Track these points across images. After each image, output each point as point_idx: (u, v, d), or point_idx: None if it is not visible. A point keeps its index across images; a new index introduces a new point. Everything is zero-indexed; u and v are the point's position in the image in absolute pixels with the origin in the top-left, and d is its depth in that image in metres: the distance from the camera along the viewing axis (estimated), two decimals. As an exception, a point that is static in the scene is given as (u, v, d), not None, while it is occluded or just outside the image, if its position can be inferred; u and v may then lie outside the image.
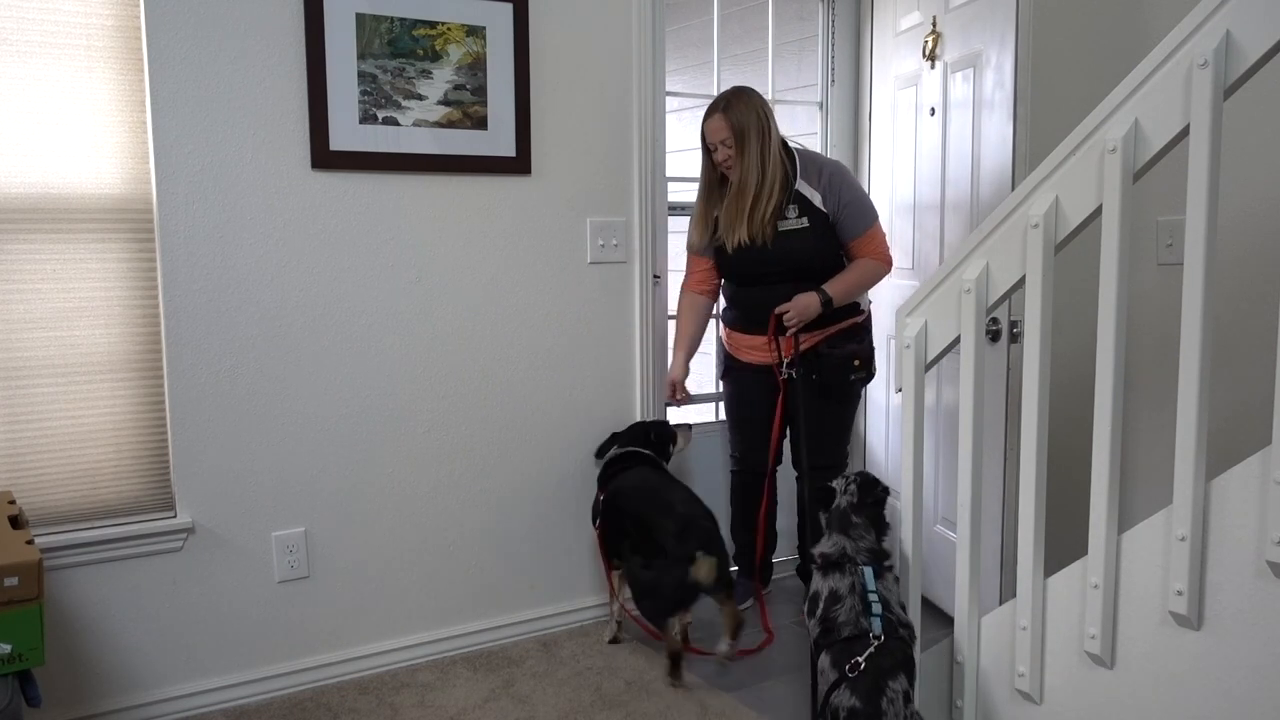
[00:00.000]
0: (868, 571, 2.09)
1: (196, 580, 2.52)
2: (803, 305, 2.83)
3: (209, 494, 2.51)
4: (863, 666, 1.95)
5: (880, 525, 2.22)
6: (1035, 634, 1.99)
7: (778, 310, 2.84)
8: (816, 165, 2.91)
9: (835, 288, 2.86)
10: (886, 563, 2.17)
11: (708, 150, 2.90)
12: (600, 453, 2.96)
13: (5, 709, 1.77)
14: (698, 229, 3.01)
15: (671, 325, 3.28)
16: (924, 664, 2.27)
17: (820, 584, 2.13)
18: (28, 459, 2.35)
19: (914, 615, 2.27)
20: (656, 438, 2.90)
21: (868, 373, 2.97)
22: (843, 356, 2.91)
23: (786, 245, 2.86)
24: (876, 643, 1.97)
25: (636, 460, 2.85)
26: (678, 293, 3.15)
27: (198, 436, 2.48)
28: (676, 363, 3.12)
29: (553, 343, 2.94)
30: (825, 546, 2.18)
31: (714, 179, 2.94)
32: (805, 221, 2.85)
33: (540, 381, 2.94)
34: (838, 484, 2.27)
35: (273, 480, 2.59)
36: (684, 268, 3.19)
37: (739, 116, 2.80)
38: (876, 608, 2.03)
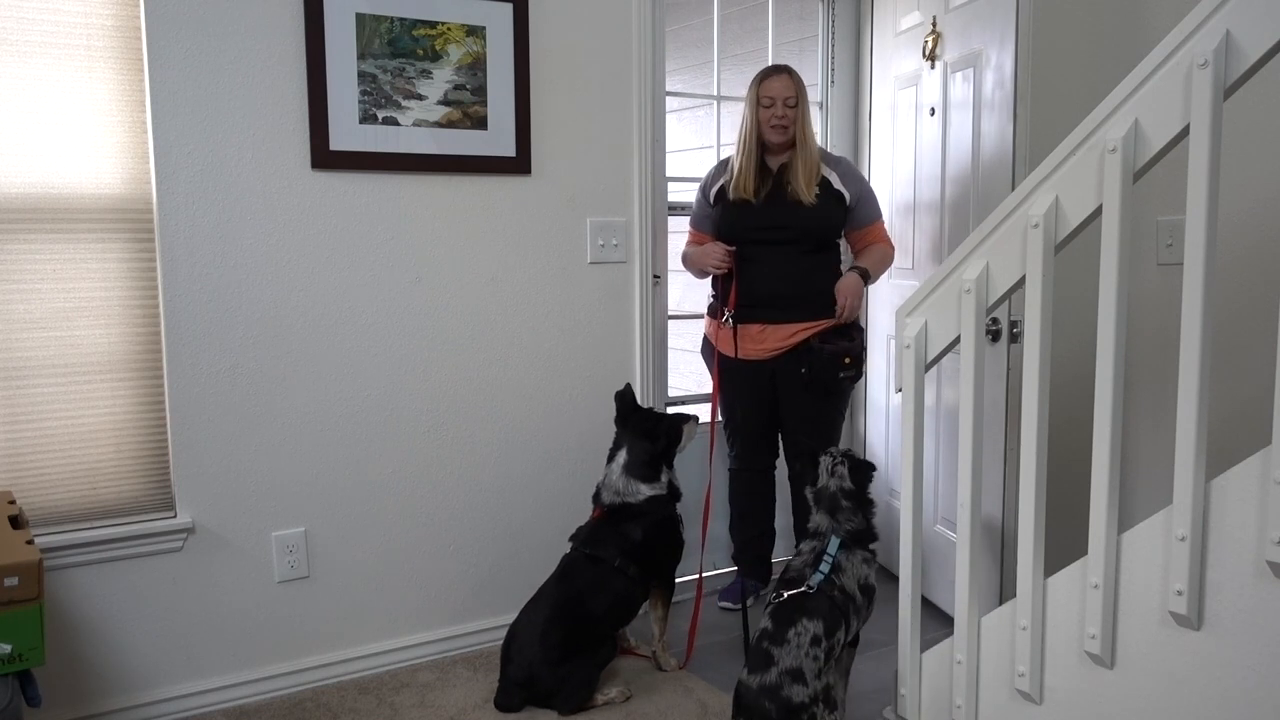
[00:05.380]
0: (834, 540, 2.31)
1: (196, 580, 2.52)
2: (850, 287, 2.96)
3: (209, 494, 2.51)
4: (785, 598, 2.20)
5: (868, 506, 2.39)
6: (1035, 634, 1.99)
7: (841, 316, 2.96)
8: (833, 155, 3.10)
9: (868, 262, 3.04)
10: (871, 546, 2.36)
11: (756, 112, 2.96)
12: (610, 455, 2.77)
13: (5, 709, 1.77)
14: (751, 178, 2.97)
15: (672, 324, 3.30)
16: (924, 664, 2.28)
17: (804, 543, 2.39)
18: (28, 459, 2.35)
19: (913, 615, 2.28)
20: (665, 437, 2.73)
21: (857, 371, 3.00)
22: (833, 353, 2.93)
23: (800, 210, 2.94)
24: (808, 590, 2.20)
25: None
26: (682, 261, 3.19)
27: (198, 436, 2.48)
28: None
29: (553, 343, 2.94)
30: (809, 523, 2.40)
31: (757, 139, 2.99)
32: (817, 190, 2.95)
33: (540, 381, 2.94)
34: (824, 460, 2.40)
35: (273, 480, 2.59)
36: (682, 265, 3.20)
37: (799, 80, 2.99)
38: (824, 567, 2.26)
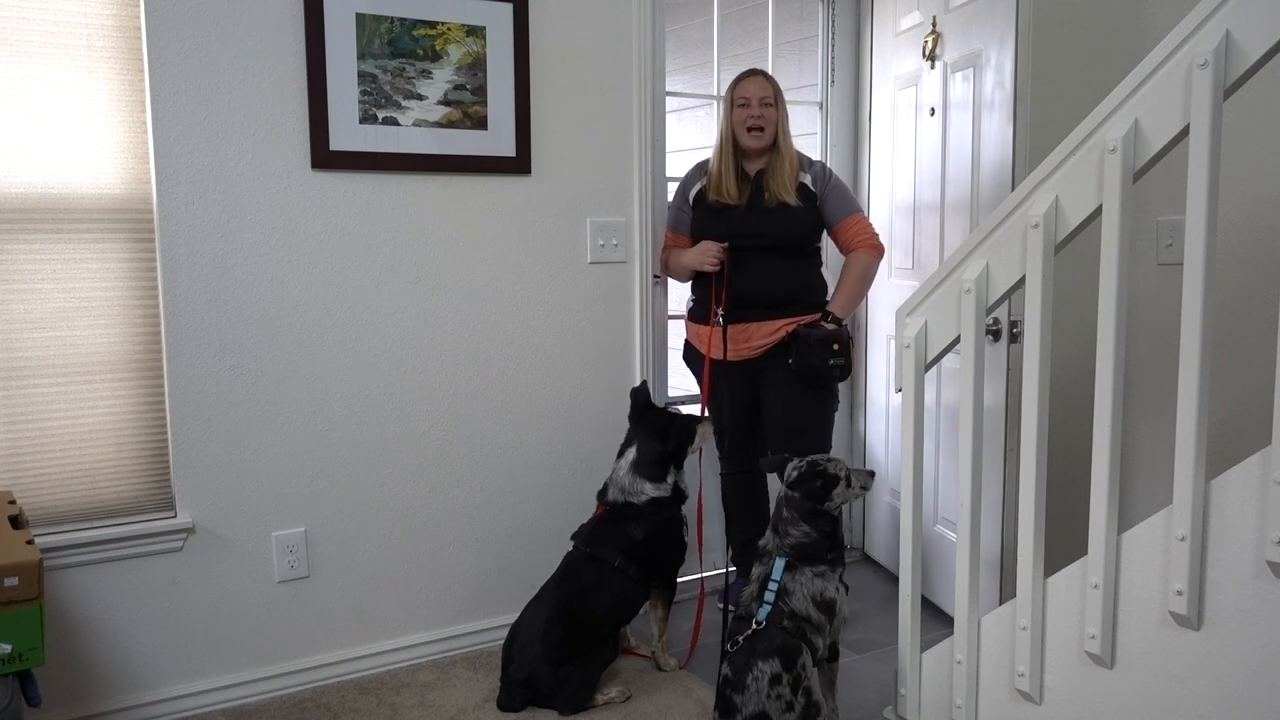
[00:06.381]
0: (778, 563, 2.27)
1: (196, 580, 2.52)
2: (824, 335, 2.86)
3: (209, 494, 2.51)
4: (739, 644, 2.19)
5: (816, 518, 2.29)
6: (1035, 634, 1.99)
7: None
8: (807, 159, 3.02)
9: (839, 304, 2.93)
10: (830, 555, 2.29)
11: (731, 114, 2.93)
12: (621, 451, 2.76)
13: (5, 709, 1.77)
14: (732, 182, 2.93)
15: (672, 325, 3.29)
16: (924, 664, 2.28)
17: (754, 569, 2.36)
18: (28, 459, 2.35)
19: (913, 615, 2.28)
20: (677, 438, 2.70)
21: (846, 360, 2.88)
22: (821, 338, 2.85)
23: (781, 215, 2.89)
24: (756, 627, 2.19)
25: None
26: (664, 265, 3.12)
27: (198, 436, 2.48)
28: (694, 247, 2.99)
29: (552, 343, 2.94)
30: (761, 539, 2.38)
31: (734, 143, 2.95)
32: (791, 200, 2.90)
33: (540, 381, 2.94)
34: (788, 467, 2.35)
35: (273, 480, 2.59)
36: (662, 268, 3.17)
37: (775, 83, 2.96)
38: (769, 597, 2.23)
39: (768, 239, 2.89)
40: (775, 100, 2.92)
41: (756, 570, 2.32)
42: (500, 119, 2.76)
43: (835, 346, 2.86)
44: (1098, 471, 1.85)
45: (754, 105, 2.89)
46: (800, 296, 2.93)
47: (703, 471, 3.02)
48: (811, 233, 2.96)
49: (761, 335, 2.93)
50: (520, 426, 2.92)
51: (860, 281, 2.96)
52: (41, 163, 2.30)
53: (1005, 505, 2.82)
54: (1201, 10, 1.65)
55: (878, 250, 2.98)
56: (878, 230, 3.03)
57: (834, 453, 2.96)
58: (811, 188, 2.94)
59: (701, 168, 3.07)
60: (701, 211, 3.00)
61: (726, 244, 2.91)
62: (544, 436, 2.96)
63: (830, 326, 2.88)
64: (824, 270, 3.05)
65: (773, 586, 2.23)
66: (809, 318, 2.91)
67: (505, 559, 2.94)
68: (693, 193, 3.04)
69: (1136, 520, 1.82)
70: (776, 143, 2.93)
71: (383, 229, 2.66)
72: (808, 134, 3.62)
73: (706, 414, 2.88)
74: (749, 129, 2.90)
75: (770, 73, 3.01)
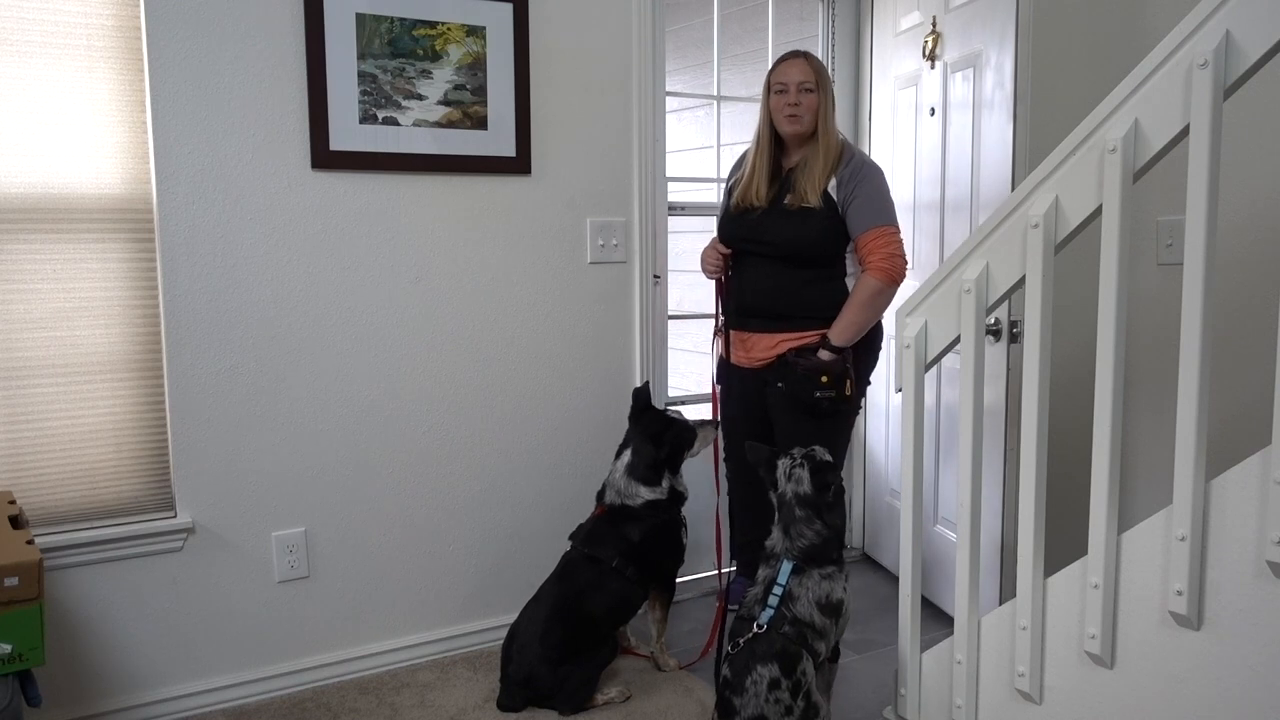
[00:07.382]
0: (785, 566, 2.24)
1: (197, 580, 2.52)
2: (811, 365, 2.71)
3: (209, 494, 2.51)
4: (740, 646, 2.18)
5: (829, 512, 2.27)
6: (1035, 634, 1.99)
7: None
8: (850, 151, 2.77)
9: (835, 331, 2.69)
10: (836, 555, 2.26)
11: (768, 101, 2.75)
12: (618, 453, 2.74)
13: (5, 709, 1.77)
14: (764, 182, 2.75)
15: (673, 324, 3.29)
16: (924, 664, 2.28)
17: (760, 571, 2.33)
18: (28, 459, 2.35)
19: (913, 615, 2.28)
20: (671, 444, 2.67)
21: (838, 393, 2.67)
22: (807, 368, 2.68)
23: (795, 222, 2.72)
24: (757, 630, 2.17)
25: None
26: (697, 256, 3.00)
27: (198, 436, 2.48)
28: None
29: (552, 343, 2.94)
30: (768, 539, 2.33)
31: (770, 135, 2.78)
32: (814, 202, 2.69)
33: (540, 381, 2.94)
34: (782, 464, 2.30)
35: (273, 480, 2.59)
36: (687, 266, 3.16)
37: (818, 65, 2.75)
38: (772, 600, 2.21)
39: (774, 247, 2.75)
40: (817, 85, 2.69)
41: (762, 573, 2.30)
42: (500, 119, 2.76)
43: (824, 379, 2.66)
44: (1098, 471, 1.85)
45: (792, 91, 2.68)
46: (805, 311, 2.74)
47: (718, 473, 3.00)
48: (827, 242, 2.71)
49: (761, 349, 2.82)
50: (520, 426, 2.92)
51: (861, 308, 2.67)
52: (41, 163, 2.30)
53: (1005, 505, 2.82)
54: (1201, 10, 1.65)
55: (887, 274, 2.65)
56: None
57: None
58: (834, 195, 2.68)
59: (741, 161, 2.93)
60: (724, 207, 2.91)
61: (729, 251, 2.85)
62: (544, 436, 2.96)
63: (824, 356, 2.68)
64: (849, 280, 2.79)
65: (777, 590, 2.21)
66: (811, 335, 2.74)
67: (505, 559, 2.94)
68: (729, 186, 2.94)
69: (1136, 520, 1.82)
70: (816, 132, 2.71)
71: (383, 229, 2.66)
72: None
73: (713, 416, 2.85)
74: (788, 115, 2.69)
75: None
